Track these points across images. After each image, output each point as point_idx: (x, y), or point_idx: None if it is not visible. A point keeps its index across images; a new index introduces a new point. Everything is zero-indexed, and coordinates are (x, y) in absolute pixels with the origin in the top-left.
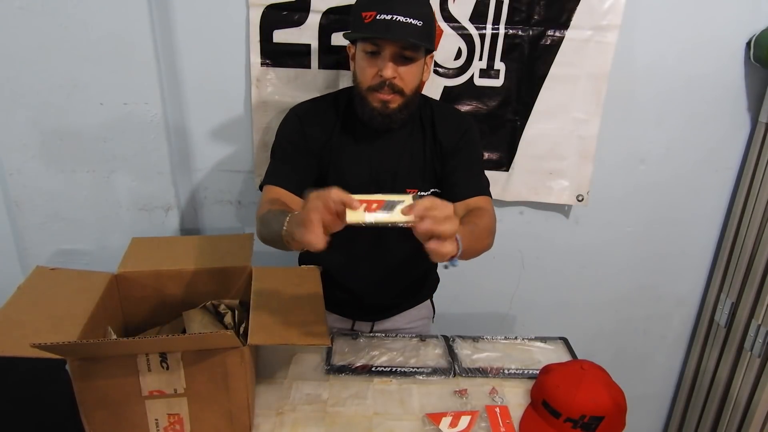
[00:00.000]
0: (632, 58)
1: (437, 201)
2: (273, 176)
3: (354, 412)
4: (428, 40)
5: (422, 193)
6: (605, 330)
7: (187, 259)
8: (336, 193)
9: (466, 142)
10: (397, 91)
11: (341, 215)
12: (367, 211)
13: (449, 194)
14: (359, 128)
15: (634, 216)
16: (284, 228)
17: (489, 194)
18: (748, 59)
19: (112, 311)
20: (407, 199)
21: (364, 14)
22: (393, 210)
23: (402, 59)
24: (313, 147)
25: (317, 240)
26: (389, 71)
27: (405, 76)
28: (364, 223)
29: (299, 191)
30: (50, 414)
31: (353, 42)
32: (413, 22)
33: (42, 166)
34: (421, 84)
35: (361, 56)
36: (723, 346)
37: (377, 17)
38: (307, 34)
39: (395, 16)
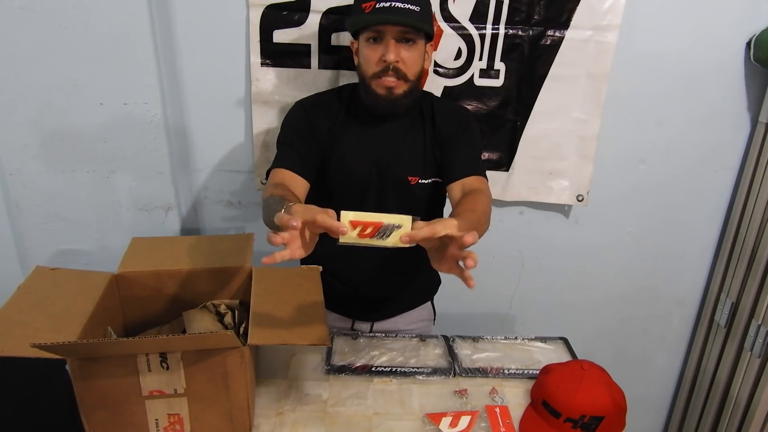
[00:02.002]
0: (632, 58)
1: (437, 226)
2: (279, 160)
3: (354, 412)
4: (427, 23)
5: (418, 218)
6: (605, 330)
7: (187, 259)
8: (323, 219)
9: (464, 129)
10: (401, 76)
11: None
12: (360, 236)
13: (448, 176)
14: (362, 115)
15: (634, 216)
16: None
17: (485, 175)
18: (748, 59)
19: (112, 311)
20: (405, 223)
21: (363, 5)
22: (388, 236)
23: (404, 42)
24: (317, 134)
25: (299, 254)
26: (392, 54)
27: (407, 59)
28: (356, 245)
29: (305, 173)
30: (50, 414)
31: (356, 37)
32: (411, 7)
33: (42, 166)
34: (423, 72)
35: (364, 45)
36: (723, 346)
37: (376, 6)
38: (307, 34)
39: (394, 3)
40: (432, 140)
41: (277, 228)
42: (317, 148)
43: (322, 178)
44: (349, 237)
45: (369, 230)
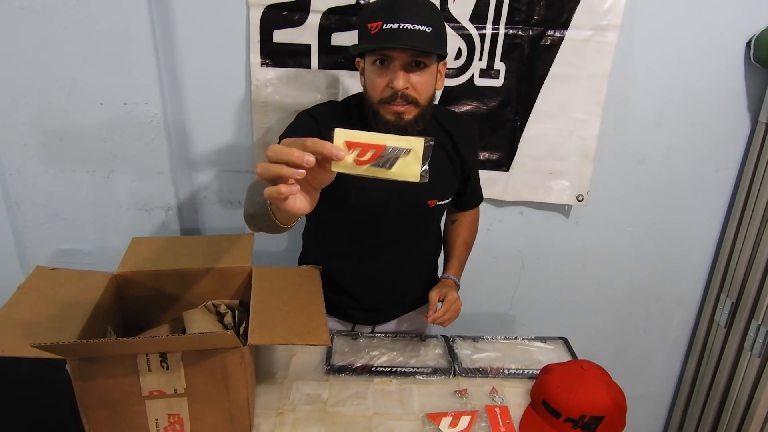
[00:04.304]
0: (632, 58)
1: (450, 314)
2: None
3: (354, 412)
4: (439, 45)
5: (431, 141)
6: (605, 330)
7: (187, 259)
8: (313, 143)
9: (476, 154)
10: (410, 101)
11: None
12: (357, 162)
13: (457, 204)
14: None
15: (634, 216)
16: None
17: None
18: (748, 59)
19: (112, 311)
20: (415, 146)
21: (370, 25)
22: (393, 163)
23: (413, 67)
24: None
25: (300, 204)
26: (400, 82)
27: (417, 85)
28: (355, 174)
29: None
30: (50, 414)
31: (361, 56)
32: (422, 28)
33: (42, 166)
34: (435, 93)
35: (371, 68)
36: (723, 346)
37: (384, 27)
38: (307, 34)
39: (402, 24)
40: (454, 165)
41: (259, 216)
42: None
43: (330, 202)
44: (344, 163)
45: (369, 155)
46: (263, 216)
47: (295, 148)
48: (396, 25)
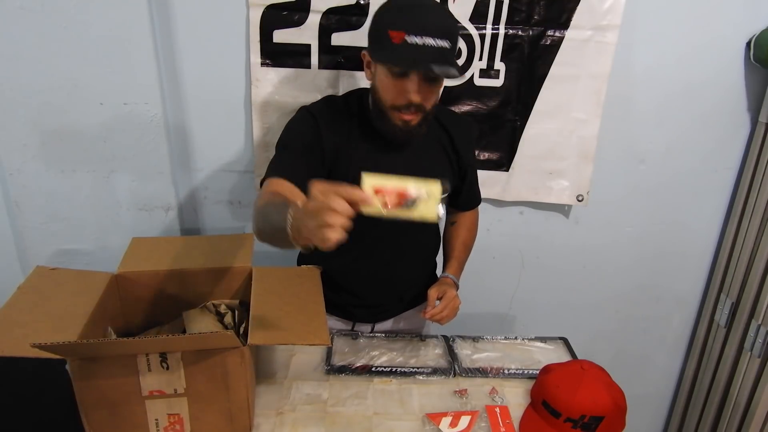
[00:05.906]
0: (632, 58)
1: (447, 311)
2: (280, 168)
3: (354, 412)
4: (456, 61)
5: (447, 184)
6: (605, 330)
7: (187, 259)
8: (348, 192)
9: (474, 152)
10: (420, 110)
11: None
12: (384, 206)
13: (454, 205)
14: (377, 139)
15: (634, 216)
16: (290, 220)
17: (480, 198)
18: (748, 59)
19: (112, 311)
20: (434, 190)
21: (391, 33)
22: (415, 206)
23: (429, 81)
24: (327, 149)
25: (338, 237)
26: (418, 96)
27: (430, 96)
28: (381, 216)
29: (306, 189)
30: (50, 414)
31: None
32: (443, 44)
33: (42, 166)
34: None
35: (385, 73)
36: (723, 346)
37: (407, 39)
38: (307, 34)
39: (426, 39)
40: (451, 162)
41: (276, 238)
42: (323, 163)
43: None
44: (374, 207)
45: (394, 198)
46: (281, 239)
47: (339, 199)
48: (420, 40)
